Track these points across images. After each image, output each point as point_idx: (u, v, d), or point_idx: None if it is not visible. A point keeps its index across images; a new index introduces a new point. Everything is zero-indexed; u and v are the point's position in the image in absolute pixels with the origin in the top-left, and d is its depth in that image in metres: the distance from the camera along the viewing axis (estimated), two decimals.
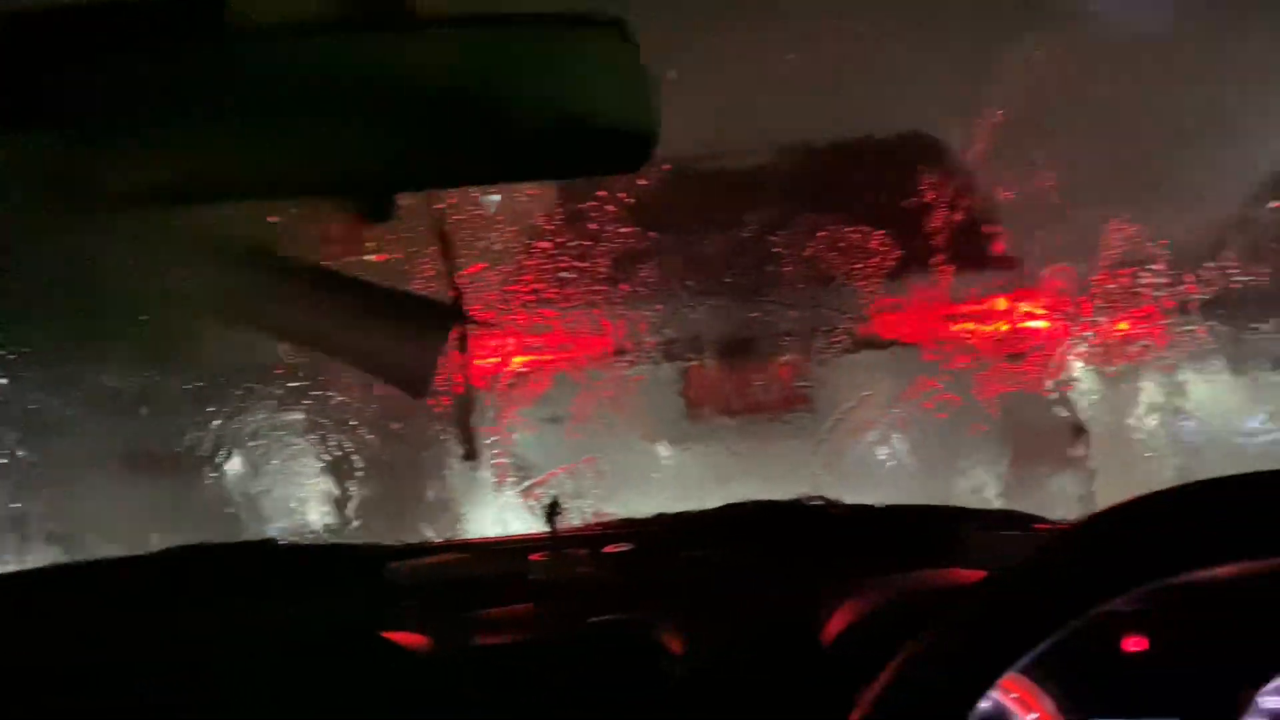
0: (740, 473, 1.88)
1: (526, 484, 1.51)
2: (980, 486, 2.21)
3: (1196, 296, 2.14)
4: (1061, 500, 2.22)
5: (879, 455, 2.13)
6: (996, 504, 2.19)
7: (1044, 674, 1.04)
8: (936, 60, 1.63)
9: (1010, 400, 2.01)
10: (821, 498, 1.50)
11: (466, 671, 1.05)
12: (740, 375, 1.88)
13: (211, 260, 1.00)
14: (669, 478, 1.83)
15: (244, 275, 0.97)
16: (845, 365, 1.99)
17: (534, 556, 1.26)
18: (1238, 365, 2.35)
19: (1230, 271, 2.14)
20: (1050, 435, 2.34)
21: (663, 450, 1.84)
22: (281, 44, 0.83)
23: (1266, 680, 0.99)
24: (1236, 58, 1.71)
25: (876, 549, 1.34)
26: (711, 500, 1.44)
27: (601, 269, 1.59)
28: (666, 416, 1.84)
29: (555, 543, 1.31)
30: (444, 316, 1.32)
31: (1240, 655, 1.00)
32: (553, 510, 1.28)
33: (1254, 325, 2.14)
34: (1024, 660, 0.73)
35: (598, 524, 1.47)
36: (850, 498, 1.66)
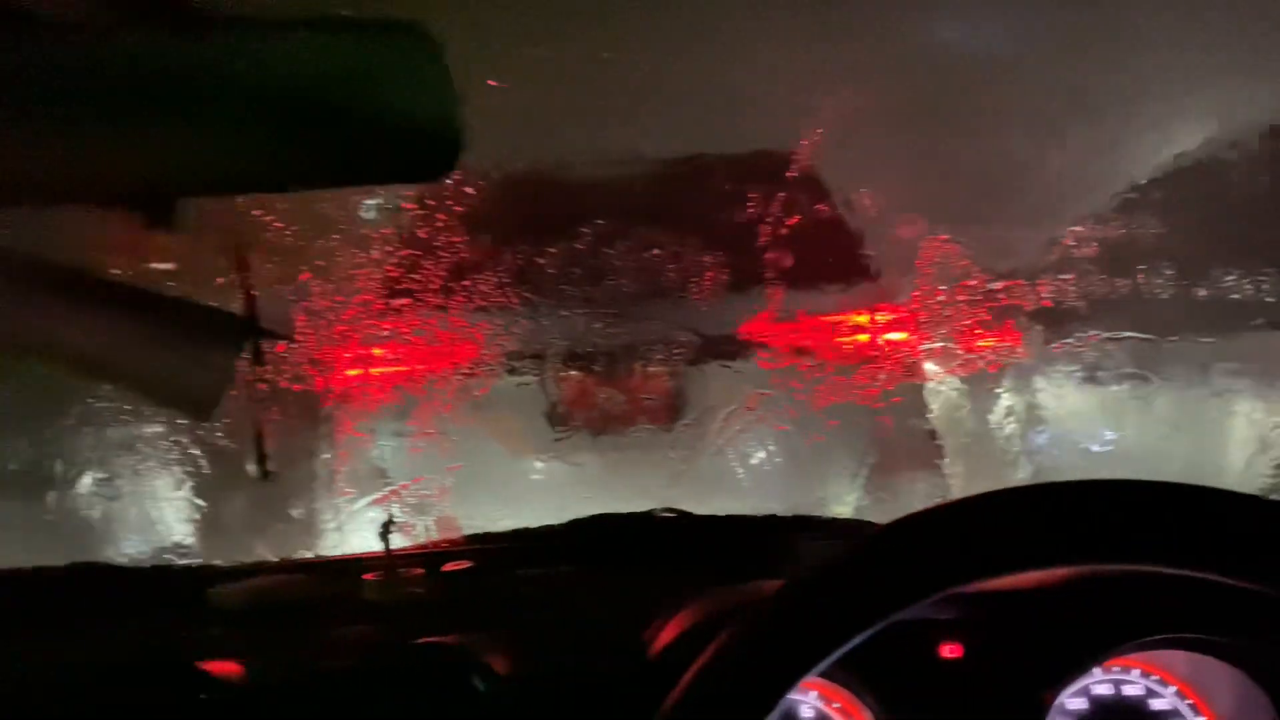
0: (595, 486, 1.87)
1: (367, 501, 1.48)
2: (836, 496, 2.25)
3: (1044, 309, 2.22)
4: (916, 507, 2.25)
5: (737, 466, 2.15)
6: (849, 512, 2.23)
7: (863, 681, 1.06)
8: (771, 78, 1.65)
9: (863, 411, 2.05)
10: (671, 509, 1.51)
11: (284, 698, 1.01)
12: (594, 388, 1.88)
13: None
14: (521, 492, 1.81)
15: (10, 287, 0.92)
16: (699, 377, 2.00)
17: (367, 576, 1.24)
18: (1086, 376, 2.44)
19: (1073, 285, 2.22)
20: (903, 444, 2.40)
21: (514, 464, 1.82)
22: (63, 39, 0.79)
23: (1068, 682, 1.03)
24: (1067, 78, 1.79)
25: (722, 560, 1.36)
26: (564, 515, 1.43)
27: (439, 280, 1.57)
28: (517, 430, 1.83)
29: (392, 562, 1.28)
30: (238, 332, 1.29)
31: (1045, 659, 1.03)
32: (387, 528, 1.26)
33: (1097, 336, 2.23)
34: (817, 669, 0.74)
35: (441, 541, 1.45)
36: (710, 508, 1.67)
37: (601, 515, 1.41)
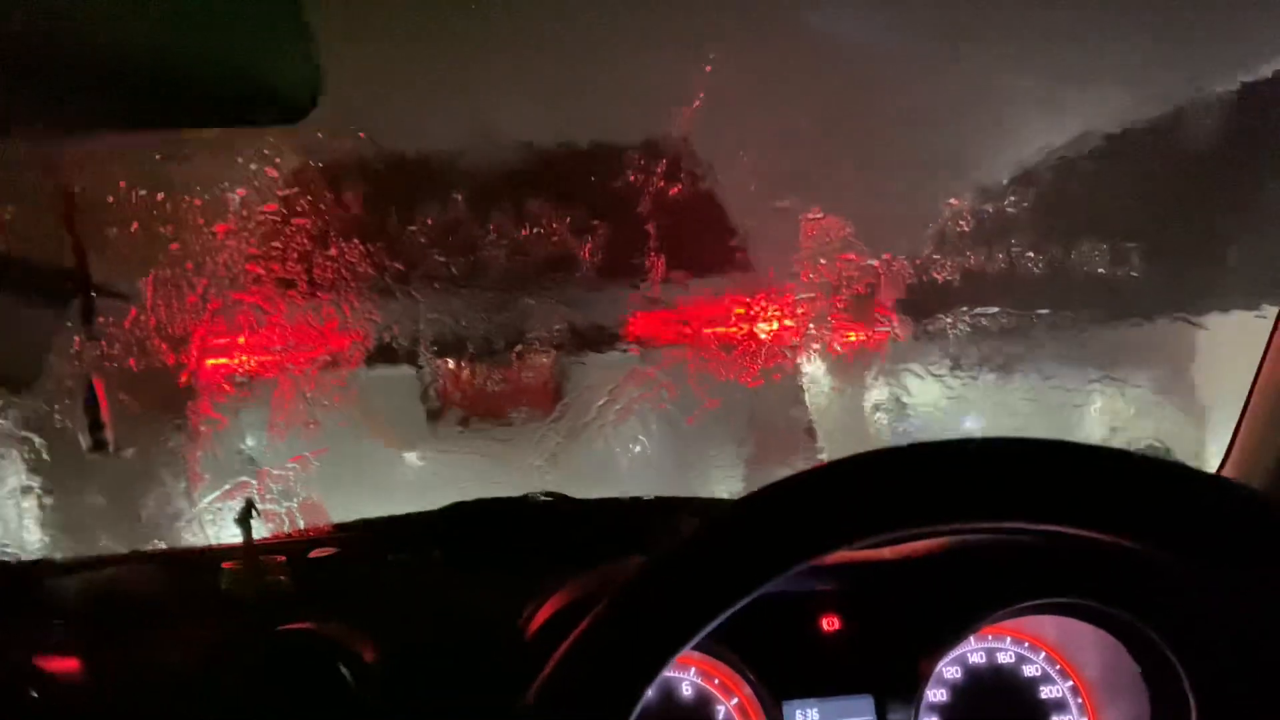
0: (472, 472, 1.82)
1: (226, 488, 1.39)
2: (717, 478, 2.25)
3: (919, 290, 2.25)
4: None
5: (617, 450, 2.12)
6: (730, 493, 2.23)
7: (744, 656, 1.05)
8: (648, 55, 1.64)
9: (743, 393, 2.06)
10: (549, 493, 1.47)
11: (125, 694, 0.94)
12: (470, 373, 1.82)
13: None
14: (395, 478, 1.75)
15: None
16: (577, 362, 1.97)
17: (226, 565, 1.16)
18: (954, 362, 2.49)
19: (944, 272, 2.26)
20: (783, 424, 2.41)
21: (387, 450, 1.76)
22: None
23: (944, 652, 1.04)
24: (944, 63, 1.82)
25: (600, 543, 1.33)
26: (439, 501, 1.38)
27: (306, 257, 1.49)
28: (390, 415, 1.76)
29: (252, 551, 1.21)
30: (72, 297, 1.19)
31: (921, 629, 1.03)
32: (247, 516, 1.18)
33: (969, 317, 2.27)
34: (687, 645, 0.71)
35: (308, 529, 1.38)
36: (590, 493, 1.63)
37: (476, 500, 1.36)
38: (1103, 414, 2.49)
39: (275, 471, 1.46)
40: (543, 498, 1.44)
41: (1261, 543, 0.70)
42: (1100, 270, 2.20)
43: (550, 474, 1.75)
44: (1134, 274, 2.05)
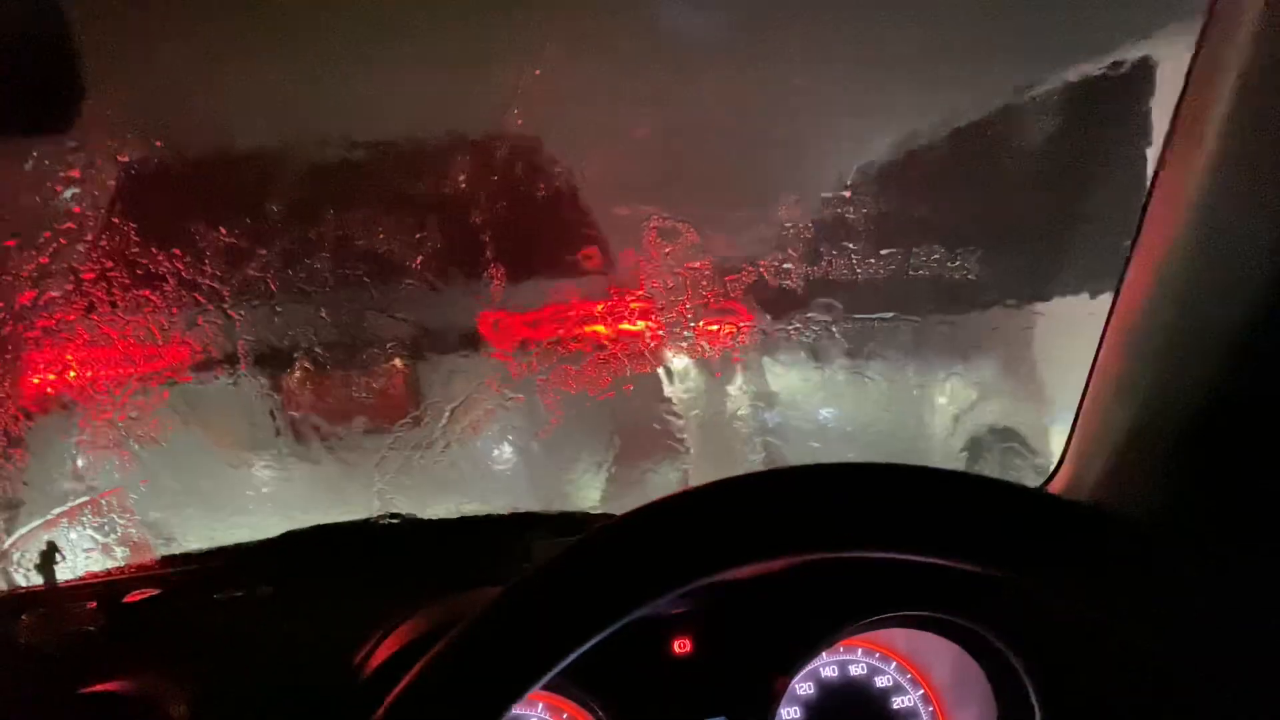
0: (316, 493, 1.72)
1: (31, 526, 1.27)
2: (577, 488, 2.21)
3: (770, 291, 2.25)
4: (661, 493, 2.25)
5: (472, 463, 2.06)
6: (600, 505, 2.20)
7: (592, 687, 1.01)
8: (493, 56, 1.58)
9: (599, 400, 2.02)
10: (394, 514, 1.41)
11: None
12: (312, 386, 1.73)
13: None
14: (231, 504, 1.64)
15: None
16: (427, 371, 1.90)
17: (25, 617, 1.05)
18: (813, 358, 2.52)
19: (799, 269, 2.27)
20: (643, 431, 2.39)
21: (222, 474, 1.64)
22: None
23: (797, 668, 1.03)
24: (796, 65, 1.82)
25: (449, 566, 1.27)
26: (277, 528, 1.29)
27: (124, 266, 1.38)
28: (224, 435, 1.65)
29: (58, 596, 1.11)
30: None
31: (774, 646, 1.02)
32: (50, 558, 1.08)
33: (819, 317, 2.29)
34: (539, 683, 0.67)
35: (127, 567, 1.28)
36: (445, 509, 1.57)
37: (313, 527, 1.28)
38: (952, 402, 2.57)
39: (91, 503, 1.35)
40: (386, 520, 1.37)
41: (1085, 553, 0.72)
42: (944, 266, 2.26)
43: (393, 494, 1.68)
44: (976, 269, 2.11)
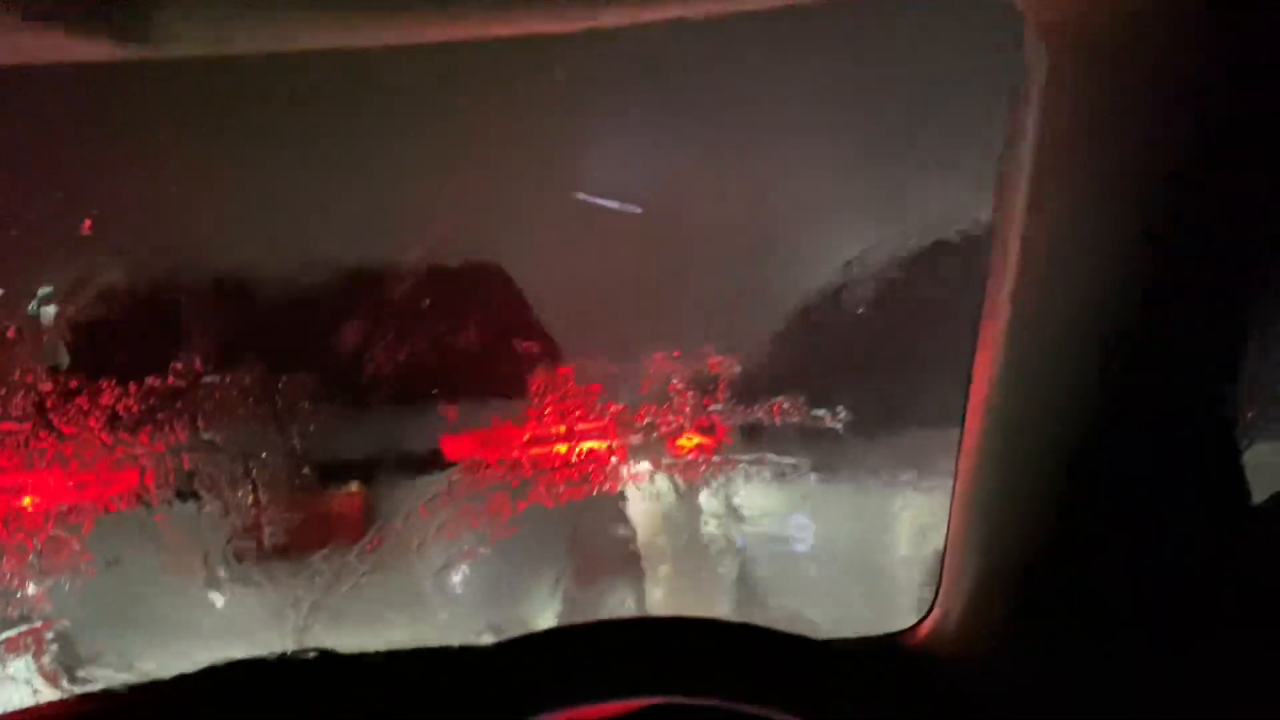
0: (259, 618, 1.74)
1: None
2: (534, 609, 2.22)
3: (738, 413, 2.31)
4: (621, 613, 2.27)
5: (441, 584, 2.08)
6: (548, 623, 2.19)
7: None
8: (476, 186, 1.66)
9: (559, 519, 2.05)
10: (316, 649, 1.41)
11: None
12: (257, 509, 1.76)
13: None
14: (161, 633, 1.65)
15: None
16: (405, 491, 1.93)
17: None
18: (782, 474, 2.55)
19: (765, 390, 2.33)
20: (611, 550, 2.41)
21: (153, 602, 1.66)
22: None
23: None
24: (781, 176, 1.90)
25: (370, 706, 1.28)
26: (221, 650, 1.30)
27: (68, 397, 1.43)
28: (161, 562, 1.68)
29: None
30: None
31: None
32: None
33: (781, 442, 2.34)
34: None
35: (39, 706, 1.29)
36: (408, 633, 1.58)
37: (229, 664, 1.29)
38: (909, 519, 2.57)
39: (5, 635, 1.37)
40: (304, 654, 1.38)
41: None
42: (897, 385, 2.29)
43: (352, 614, 1.70)
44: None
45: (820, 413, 2.40)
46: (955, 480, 1.07)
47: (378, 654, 1.38)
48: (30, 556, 1.45)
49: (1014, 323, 0.94)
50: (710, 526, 2.69)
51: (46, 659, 1.42)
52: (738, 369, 2.29)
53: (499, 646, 0.79)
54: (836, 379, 2.20)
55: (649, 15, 0.82)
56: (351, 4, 0.74)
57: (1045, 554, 0.99)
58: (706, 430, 2.46)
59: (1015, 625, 1.03)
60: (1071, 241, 0.87)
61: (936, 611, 1.14)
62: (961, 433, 1.03)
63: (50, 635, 1.43)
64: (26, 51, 0.79)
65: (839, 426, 2.39)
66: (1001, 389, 0.97)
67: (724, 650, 0.78)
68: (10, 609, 1.48)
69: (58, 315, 1.47)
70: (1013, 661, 1.03)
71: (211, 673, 1.30)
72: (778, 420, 2.41)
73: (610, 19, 0.82)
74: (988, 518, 1.03)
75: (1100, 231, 0.84)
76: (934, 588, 1.18)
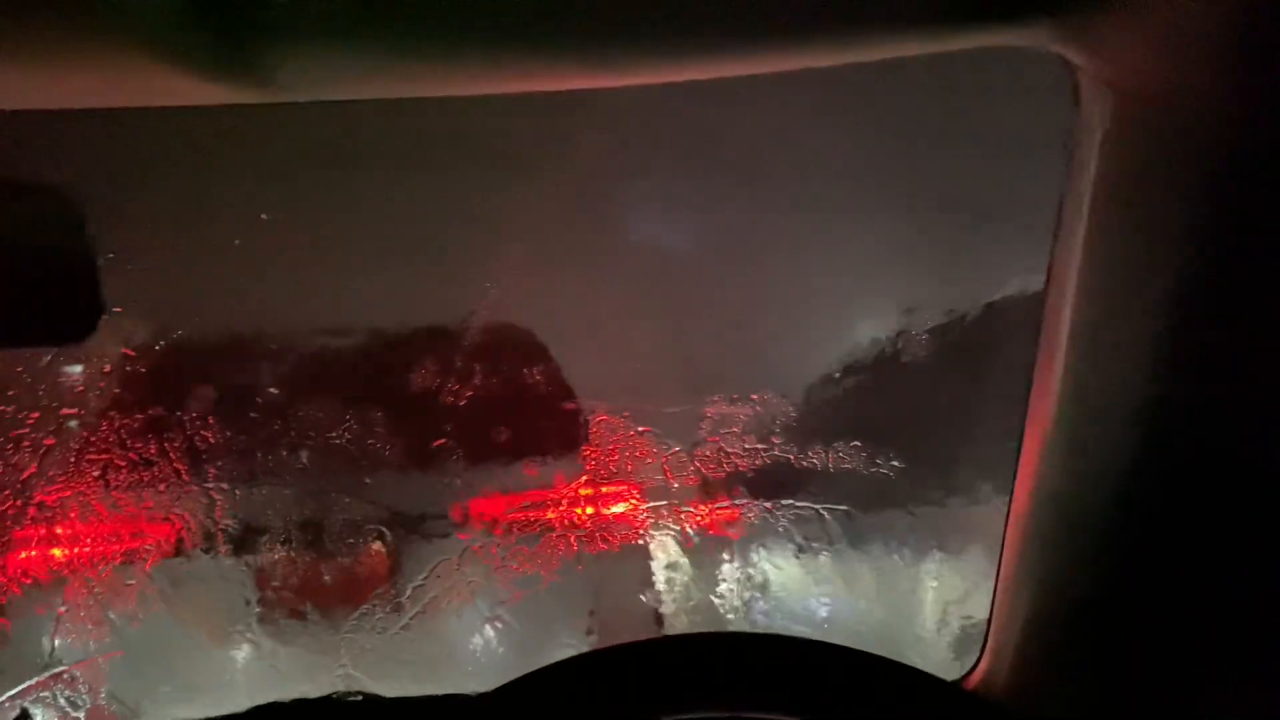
0: (289, 670, 1.74)
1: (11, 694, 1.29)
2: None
3: (756, 480, 2.32)
4: None
5: (465, 642, 2.07)
6: None
7: None
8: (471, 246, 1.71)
9: (593, 581, 2.05)
10: (358, 692, 1.42)
11: None
12: (286, 566, 1.77)
13: None
14: (202, 681, 1.66)
15: None
16: (422, 552, 1.94)
17: None
18: (804, 543, 2.54)
19: (779, 457, 2.34)
20: (633, 614, 2.40)
21: (195, 651, 1.67)
22: None
23: None
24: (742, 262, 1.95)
25: None
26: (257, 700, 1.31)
27: (103, 451, 1.46)
28: (199, 612, 1.69)
29: None
30: None
31: None
32: None
33: (805, 508, 2.34)
34: None
35: None
36: (432, 689, 1.57)
37: (270, 705, 1.30)
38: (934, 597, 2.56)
39: (63, 675, 1.38)
40: (349, 697, 1.38)
41: None
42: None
43: (361, 671, 1.70)
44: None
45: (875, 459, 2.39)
46: (1006, 525, 1.08)
47: (420, 699, 1.39)
48: (70, 603, 1.47)
49: (1066, 377, 0.96)
50: (733, 595, 2.68)
51: (78, 703, 1.43)
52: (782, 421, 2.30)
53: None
54: (889, 430, 2.21)
55: (678, 75, 0.83)
56: (460, 56, 0.77)
57: (1097, 608, 0.99)
58: (735, 496, 2.46)
59: (1063, 679, 1.04)
60: (1126, 298, 0.88)
61: (983, 665, 1.15)
62: (1013, 481, 1.05)
63: (80, 678, 1.44)
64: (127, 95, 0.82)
65: (890, 472, 2.38)
66: (1055, 441, 0.98)
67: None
68: (45, 652, 1.49)
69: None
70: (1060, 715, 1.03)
71: (258, 712, 1.31)
72: (831, 466, 2.40)
73: (641, 77, 0.84)
74: (1037, 569, 1.04)
75: (1155, 289, 0.84)
76: (980, 644, 1.19)
